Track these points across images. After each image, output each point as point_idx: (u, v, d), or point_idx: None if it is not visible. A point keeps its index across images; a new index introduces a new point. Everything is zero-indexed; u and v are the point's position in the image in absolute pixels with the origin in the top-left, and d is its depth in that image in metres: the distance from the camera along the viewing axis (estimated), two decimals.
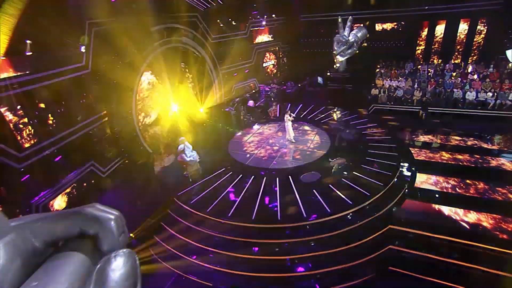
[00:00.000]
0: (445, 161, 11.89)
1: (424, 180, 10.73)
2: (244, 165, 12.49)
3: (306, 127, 15.77)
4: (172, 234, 9.37)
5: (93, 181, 10.61)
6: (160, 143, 14.87)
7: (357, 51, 19.75)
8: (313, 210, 9.29)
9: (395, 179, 10.54)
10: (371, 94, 18.38)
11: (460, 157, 12.01)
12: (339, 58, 20.10)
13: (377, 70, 19.64)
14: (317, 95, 22.08)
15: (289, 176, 11.22)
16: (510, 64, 17.20)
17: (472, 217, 8.75)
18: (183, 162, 11.75)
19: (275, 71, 23.41)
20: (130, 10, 12.45)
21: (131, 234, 9.04)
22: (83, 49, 10.46)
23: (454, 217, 8.80)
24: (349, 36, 19.26)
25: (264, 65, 22.28)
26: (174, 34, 14.84)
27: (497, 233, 8.08)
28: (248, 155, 13.16)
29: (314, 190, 10.17)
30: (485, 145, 12.92)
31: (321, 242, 8.42)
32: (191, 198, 10.58)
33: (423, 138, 14.15)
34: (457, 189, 10.08)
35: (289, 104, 19.26)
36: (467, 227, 8.40)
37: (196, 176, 11.92)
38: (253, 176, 11.48)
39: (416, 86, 17.59)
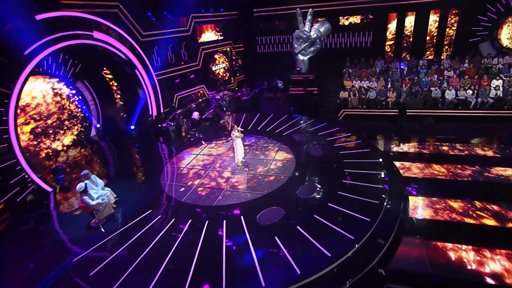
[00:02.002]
0: (440, 176, 9.80)
1: (419, 205, 8.46)
2: (180, 203, 9.39)
3: (264, 143, 13.08)
4: None
5: None
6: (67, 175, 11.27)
7: (321, 48, 17.81)
8: (274, 272, 6.43)
9: (383, 210, 8.09)
10: (340, 97, 16.33)
11: (458, 170, 10.01)
12: (300, 57, 17.97)
13: (345, 70, 17.74)
14: (279, 102, 19.81)
15: (241, 217, 8.32)
16: (484, 59, 16.17)
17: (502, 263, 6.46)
18: (86, 207, 8.37)
19: (227, 75, 20.68)
20: None
21: None
22: None
23: (474, 264, 6.44)
24: (310, 31, 17.25)
25: (214, 68, 19.45)
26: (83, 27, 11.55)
27: None
28: (182, 189, 10.08)
29: (276, 238, 7.35)
30: (481, 152, 11.15)
31: None
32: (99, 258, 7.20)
33: (405, 147, 12.12)
34: (467, 217, 7.87)
35: (244, 115, 16.60)
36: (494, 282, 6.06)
37: (108, 221, 8.58)
38: (189, 221, 8.40)
39: (389, 86, 15.85)
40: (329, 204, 8.47)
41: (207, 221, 8.33)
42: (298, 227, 7.64)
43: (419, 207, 8.49)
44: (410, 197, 8.96)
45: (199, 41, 18.22)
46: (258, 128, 14.54)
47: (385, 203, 8.29)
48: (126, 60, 13.55)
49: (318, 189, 9.28)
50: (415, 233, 7.58)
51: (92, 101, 14.90)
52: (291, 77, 18.54)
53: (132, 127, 14.47)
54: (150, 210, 9.12)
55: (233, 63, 20.90)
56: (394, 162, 10.92)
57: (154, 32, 15.30)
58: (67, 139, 14.14)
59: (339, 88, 16.72)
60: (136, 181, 11.12)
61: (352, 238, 7.11)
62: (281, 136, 13.47)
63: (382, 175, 9.67)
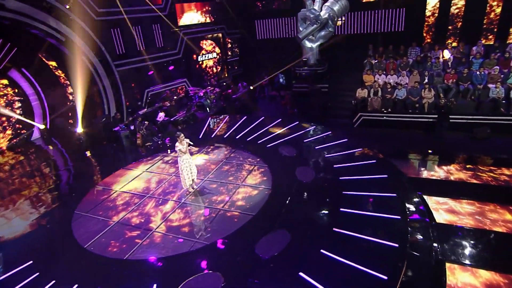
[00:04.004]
0: (504, 229, 6.14)
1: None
2: (81, 251, 6.51)
3: (239, 158, 9.91)
4: None
5: None
6: None
7: (334, 33, 14.34)
8: None
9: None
10: (357, 97, 12.79)
11: None
12: (308, 44, 14.58)
13: (366, 61, 14.11)
14: (281, 102, 16.58)
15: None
16: None
17: None
18: None
19: (219, 68, 17.71)
20: None
21: None
22: None
23: None
24: (320, 10, 13.83)
25: (200, 59, 16.57)
26: None
27: None
28: (96, 230, 7.17)
29: None
30: None
31: None
32: None
33: (445, 171, 8.42)
34: None
35: (226, 118, 13.53)
36: None
37: None
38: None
39: (426, 81, 12.07)
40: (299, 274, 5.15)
41: None
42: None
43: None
44: (451, 266, 5.42)
45: (180, 23, 15.40)
46: (237, 137, 11.37)
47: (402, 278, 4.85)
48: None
49: (287, 245, 5.98)
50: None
51: (34, 95, 12.55)
52: (295, 70, 15.20)
53: (80, 129, 11.92)
54: (31, 262, 6.30)
55: (227, 52, 17.89)
56: (425, 197, 7.33)
57: (115, 10, 12.68)
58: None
59: (358, 85, 13.17)
60: (43, 209, 8.32)
61: None
62: (264, 149, 10.22)
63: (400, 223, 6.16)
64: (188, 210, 7.51)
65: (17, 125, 12.52)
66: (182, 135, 7.80)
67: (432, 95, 11.63)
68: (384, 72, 13.23)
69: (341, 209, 6.76)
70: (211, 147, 10.79)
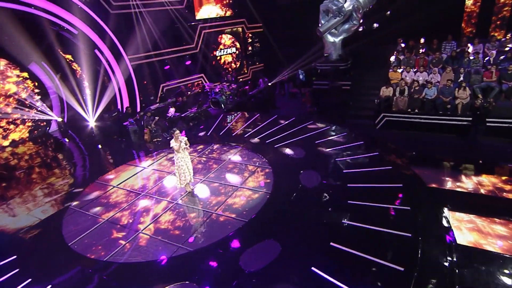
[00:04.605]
0: None
1: None
2: (65, 248, 6.31)
3: (243, 159, 9.35)
4: None
5: None
6: None
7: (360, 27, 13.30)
8: None
9: None
10: (381, 95, 11.72)
11: None
12: (330, 39, 13.64)
13: (393, 56, 12.91)
14: (302, 99, 15.81)
15: None
16: None
17: None
18: None
19: (238, 63, 17.21)
20: None
21: None
22: None
23: None
24: (344, 1, 12.85)
25: (218, 54, 16.17)
26: None
27: None
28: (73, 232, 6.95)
29: None
30: None
31: None
32: None
33: (475, 183, 7.27)
34: None
35: (238, 115, 13.00)
36: None
37: None
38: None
39: (461, 79, 10.75)
40: None
41: None
42: None
43: None
44: None
45: (197, 17, 15.07)
46: (246, 135, 10.81)
47: None
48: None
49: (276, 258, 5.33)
50: None
51: (54, 88, 12.84)
52: (316, 66, 14.31)
53: (92, 123, 12.00)
54: (15, 257, 6.20)
55: (248, 47, 17.33)
56: (451, 213, 6.30)
57: (132, 3, 12.61)
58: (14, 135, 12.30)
59: (384, 83, 12.05)
60: (40, 202, 8.29)
61: None
62: (271, 149, 9.57)
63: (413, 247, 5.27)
64: (179, 212, 7.08)
65: (37, 117, 12.89)
66: (177, 132, 7.38)
67: (468, 95, 10.30)
68: (413, 69, 11.99)
69: (343, 221, 5.97)
70: (217, 145, 10.33)
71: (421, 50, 12.35)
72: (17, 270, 5.84)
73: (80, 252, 6.12)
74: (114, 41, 12.12)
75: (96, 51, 11.76)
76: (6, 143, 12.30)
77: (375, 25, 14.34)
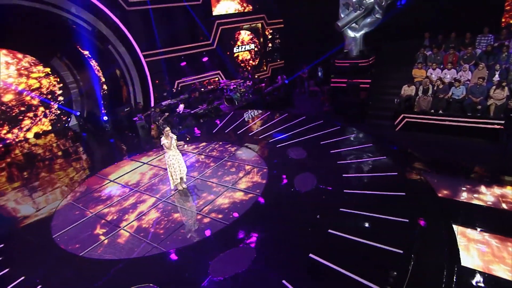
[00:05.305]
0: None
1: None
2: (48, 244, 6.38)
3: (242, 157, 8.97)
4: None
5: None
6: None
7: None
8: None
9: None
10: (401, 94, 10.77)
11: None
12: (350, 34, 12.84)
13: (419, 52, 11.80)
14: (320, 98, 15.11)
15: None
16: None
17: None
18: None
19: (257, 61, 16.82)
20: None
21: None
22: None
23: None
24: None
25: (235, 51, 15.91)
26: None
27: None
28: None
29: None
30: None
31: None
32: None
33: (495, 195, 6.28)
34: None
35: (249, 111, 12.61)
36: None
37: None
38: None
39: (496, 78, 9.51)
40: None
41: None
42: None
43: None
44: None
45: (214, 13, 14.89)
46: (251, 134, 10.42)
47: None
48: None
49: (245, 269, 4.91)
50: None
51: (74, 83, 13.35)
52: (335, 63, 13.55)
53: (105, 118, 12.29)
54: (2, 245, 6.37)
55: (267, 44, 16.86)
56: (461, 229, 5.46)
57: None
58: (35, 128, 12.96)
59: (407, 81, 11.04)
60: (39, 193, 8.53)
61: None
62: (273, 149, 9.10)
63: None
64: (165, 210, 6.87)
65: (58, 111, 13.50)
66: (168, 129, 7.20)
67: (504, 95, 9.08)
68: (440, 66, 10.86)
69: (330, 231, 5.39)
70: (220, 143, 10.06)
71: (451, 45, 11.11)
72: (0, 258, 5.98)
73: (59, 245, 6.13)
74: (129, 38, 12.29)
75: (111, 47, 12.01)
76: (29, 134, 13.02)
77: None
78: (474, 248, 5.09)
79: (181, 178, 7.51)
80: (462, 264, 4.81)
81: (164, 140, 7.11)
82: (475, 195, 6.40)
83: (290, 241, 5.40)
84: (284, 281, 4.53)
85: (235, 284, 4.66)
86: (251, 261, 5.01)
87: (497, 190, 6.49)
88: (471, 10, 11.49)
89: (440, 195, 6.47)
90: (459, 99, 9.72)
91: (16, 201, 8.28)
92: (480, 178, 7.07)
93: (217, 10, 15.02)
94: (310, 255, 4.93)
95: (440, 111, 9.88)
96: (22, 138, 12.78)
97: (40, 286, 5.12)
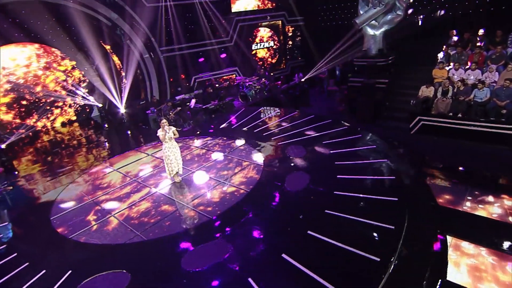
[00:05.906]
0: None
1: None
2: (45, 225, 6.74)
3: (241, 153, 8.89)
4: None
5: None
6: None
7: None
8: None
9: None
10: (419, 96, 10.14)
11: None
12: (369, 32, 12.30)
13: (442, 51, 11.03)
14: (337, 98, 14.68)
15: None
16: None
17: None
18: None
19: (276, 58, 16.64)
20: None
21: None
22: None
23: None
24: None
25: (254, 48, 15.84)
26: None
27: None
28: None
29: None
30: None
31: None
32: None
33: (503, 207, 5.70)
34: None
35: (259, 108, 12.48)
36: None
37: None
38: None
39: None
40: None
41: None
42: None
43: None
44: None
45: (233, 10, 14.91)
46: (256, 130, 10.32)
47: None
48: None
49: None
50: None
51: (97, 77, 14.03)
52: (353, 62, 13.07)
53: (122, 110, 12.78)
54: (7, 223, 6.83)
55: (288, 42, 16.60)
56: (457, 241, 5.03)
57: None
58: (60, 119, 13.78)
59: (428, 82, 10.36)
60: (49, 178, 9.05)
61: None
62: (274, 146, 8.94)
63: None
64: (156, 201, 6.98)
65: (82, 103, 14.28)
66: (164, 121, 7.31)
67: None
68: (464, 66, 10.07)
69: (309, 232, 5.18)
70: (224, 138, 10.06)
71: (478, 44, 10.26)
72: (1, 235, 6.41)
73: (54, 226, 6.44)
74: (148, 33, 12.67)
75: (129, 42, 12.45)
76: (57, 123, 13.91)
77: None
78: (465, 264, 4.65)
79: (177, 171, 7.59)
80: (448, 278, 4.42)
81: (159, 132, 7.23)
82: (480, 205, 5.85)
83: (267, 240, 5.26)
84: (249, 279, 4.42)
85: (202, 277, 4.61)
86: (223, 256, 4.93)
87: (507, 202, 5.88)
88: (502, 6, 10.54)
89: (441, 201, 6.00)
90: (481, 102, 8.95)
91: (30, 183, 8.87)
92: (490, 185, 6.47)
93: (236, 7, 15.03)
94: (283, 255, 4.76)
95: (460, 115, 9.16)
96: (49, 127, 13.68)
97: (27, 263, 5.42)
